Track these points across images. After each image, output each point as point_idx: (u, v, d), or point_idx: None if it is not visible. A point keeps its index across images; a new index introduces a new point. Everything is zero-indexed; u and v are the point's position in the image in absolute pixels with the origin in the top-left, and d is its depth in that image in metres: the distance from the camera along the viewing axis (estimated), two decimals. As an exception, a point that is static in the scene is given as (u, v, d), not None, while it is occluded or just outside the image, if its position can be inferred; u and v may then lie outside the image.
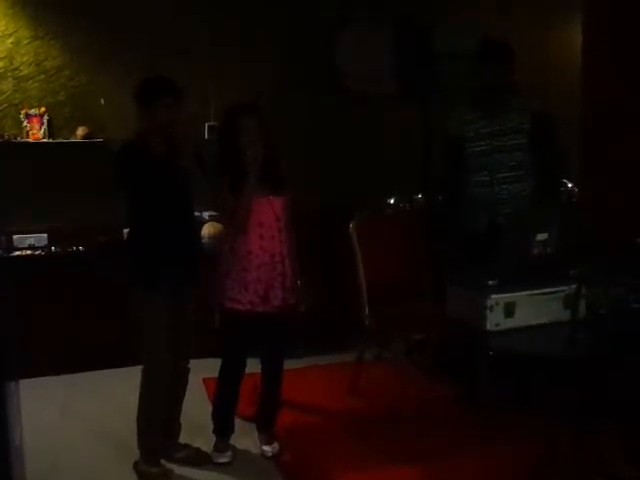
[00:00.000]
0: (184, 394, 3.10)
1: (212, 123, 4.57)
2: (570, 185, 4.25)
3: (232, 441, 3.14)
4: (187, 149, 2.86)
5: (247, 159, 2.85)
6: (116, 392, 3.75)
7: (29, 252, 4.24)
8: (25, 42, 4.32)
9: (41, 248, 4.28)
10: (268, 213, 2.94)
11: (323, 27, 4.74)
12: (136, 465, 2.97)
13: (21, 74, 4.34)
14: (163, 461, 3.01)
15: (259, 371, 3.16)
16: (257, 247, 2.91)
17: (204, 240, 4.39)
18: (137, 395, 2.96)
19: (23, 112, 4.28)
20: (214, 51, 4.58)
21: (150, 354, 2.88)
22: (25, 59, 4.33)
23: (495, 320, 2.67)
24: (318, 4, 4.71)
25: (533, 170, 3.29)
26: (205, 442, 3.14)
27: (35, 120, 4.30)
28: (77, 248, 4.29)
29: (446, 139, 3.47)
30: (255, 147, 2.86)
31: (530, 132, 3.26)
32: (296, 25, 4.68)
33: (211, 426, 3.13)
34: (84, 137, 4.33)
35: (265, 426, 3.18)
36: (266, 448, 3.13)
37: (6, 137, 4.24)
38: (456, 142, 3.36)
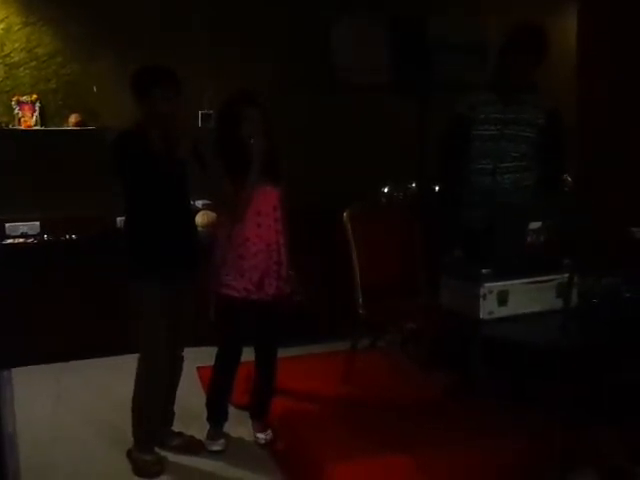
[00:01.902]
0: (178, 382, 3.11)
1: (206, 111, 4.56)
2: (564, 175, 4.25)
3: (226, 429, 3.15)
4: (185, 142, 2.83)
5: (252, 149, 2.84)
6: (109, 380, 3.75)
7: (21, 240, 4.23)
8: (16, 28, 4.28)
9: (34, 236, 4.27)
10: (266, 202, 2.95)
11: (321, 25, 4.72)
12: (129, 453, 2.98)
13: (12, 61, 4.30)
14: (157, 449, 3.02)
15: (253, 359, 3.17)
16: (254, 235, 2.92)
17: (198, 229, 4.38)
18: (130, 383, 2.95)
19: (15, 99, 4.24)
20: (209, 40, 4.57)
21: (149, 345, 2.88)
22: (16, 45, 4.29)
23: (488, 308, 2.68)
24: (317, 3, 4.68)
25: (535, 164, 3.26)
26: (199, 430, 3.15)
27: (27, 107, 4.27)
28: (70, 236, 4.27)
29: (452, 118, 3.34)
30: (259, 137, 2.85)
31: (543, 128, 3.20)
32: (294, 23, 4.66)
33: (205, 414, 3.14)
34: (76, 125, 4.31)
35: (259, 414, 3.19)
36: (260, 436, 3.14)
37: (-3, 124, 4.22)
38: (463, 122, 3.26)
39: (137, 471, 2.91)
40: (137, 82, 2.79)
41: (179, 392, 3.15)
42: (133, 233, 2.89)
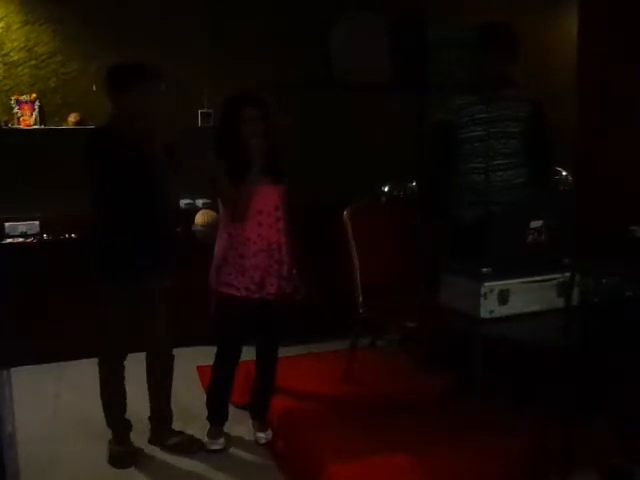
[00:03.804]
0: (169, 381, 3.10)
1: (205, 110, 4.56)
2: (564, 173, 4.25)
3: (226, 428, 3.15)
4: (159, 139, 2.79)
5: (252, 150, 2.84)
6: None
7: (21, 240, 4.22)
8: (15, 27, 4.27)
9: (33, 236, 4.26)
10: (267, 201, 2.95)
11: (321, 25, 4.71)
12: (109, 443, 3.04)
13: (11, 60, 4.29)
14: (158, 448, 3.04)
15: (252, 359, 3.17)
16: (255, 234, 2.92)
17: (196, 228, 4.37)
18: (129, 382, 2.99)
19: (14, 98, 4.24)
20: (208, 40, 4.57)
21: (105, 343, 2.94)
22: (15, 45, 4.29)
23: (489, 307, 2.67)
24: (317, 3, 4.67)
25: (526, 158, 3.28)
26: (199, 429, 3.15)
27: (26, 107, 4.27)
28: (69, 236, 4.27)
29: (435, 125, 3.41)
30: (259, 137, 2.85)
31: (526, 120, 3.24)
32: (294, 23, 4.65)
33: (205, 414, 3.13)
34: (76, 124, 4.31)
35: (259, 413, 3.19)
36: (259, 435, 3.14)
37: (-3, 124, 4.21)
38: (447, 128, 3.30)
39: (110, 460, 2.98)
40: (110, 78, 2.79)
41: (179, 391, 3.15)
42: (98, 232, 2.90)
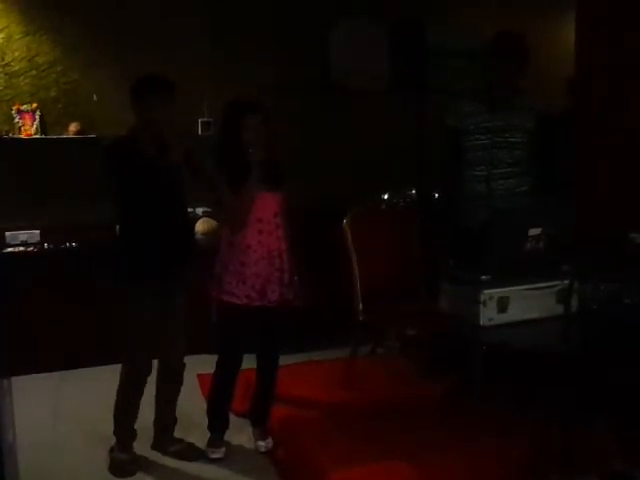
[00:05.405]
0: (178, 390, 3.11)
1: (206, 119, 4.57)
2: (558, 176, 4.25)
3: (226, 436, 3.14)
4: (178, 148, 2.85)
5: (251, 157, 2.86)
6: (109, 388, 3.72)
7: (22, 249, 4.23)
8: (17, 37, 4.30)
9: (34, 245, 4.26)
10: (267, 209, 2.96)
11: (319, 26, 4.73)
12: (111, 451, 3.03)
13: (12, 70, 4.32)
14: (160, 454, 3.05)
15: (252, 367, 3.17)
16: (256, 242, 2.93)
17: (197, 236, 4.38)
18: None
19: (15, 108, 4.26)
20: (209, 47, 4.59)
21: (129, 350, 2.92)
22: (16, 55, 4.31)
23: (488, 315, 2.67)
24: (317, 7, 4.69)
25: (530, 168, 3.28)
26: (200, 437, 3.14)
27: (27, 116, 4.28)
28: (70, 244, 4.28)
29: (444, 129, 3.41)
30: (259, 145, 2.87)
31: (533, 132, 3.25)
32: (294, 28, 4.67)
33: (205, 422, 3.13)
34: (76, 133, 4.33)
35: (259, 421, 3.18)
36: (260, 443, 3.13)
37: (-2, 133, 4.23)
38: (453, 133, 3.31)
39: (112, 468, 2.97)
40: (134, 89, 2.86)
41: (180, 400, 3.14)
42: (122, 236, 2.93)
